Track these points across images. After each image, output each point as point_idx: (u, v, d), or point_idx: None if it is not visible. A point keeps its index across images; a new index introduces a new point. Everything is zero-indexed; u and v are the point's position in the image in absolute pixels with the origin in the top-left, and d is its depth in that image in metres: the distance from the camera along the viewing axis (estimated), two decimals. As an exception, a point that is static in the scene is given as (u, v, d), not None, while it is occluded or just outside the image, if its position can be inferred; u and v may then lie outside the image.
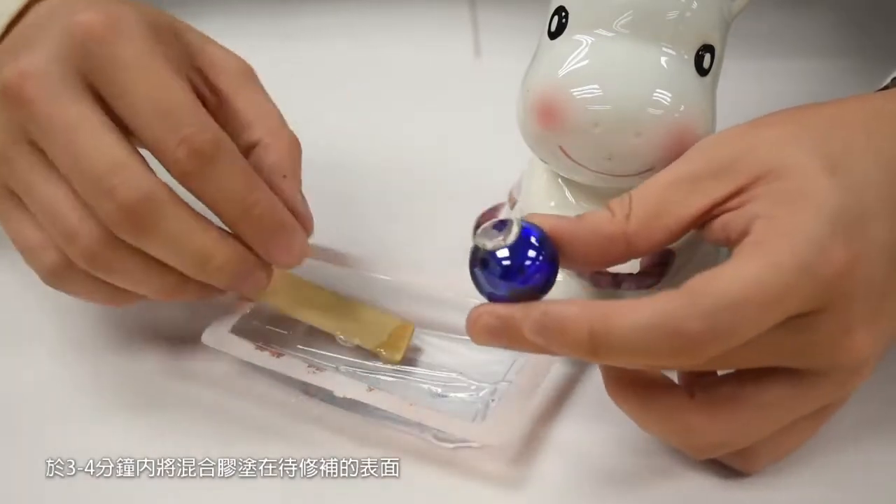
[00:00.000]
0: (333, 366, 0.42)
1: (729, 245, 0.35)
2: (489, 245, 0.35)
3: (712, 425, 0.36)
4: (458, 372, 0.42)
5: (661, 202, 0.36)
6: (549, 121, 0.39)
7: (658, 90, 0.39)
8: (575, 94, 0.39)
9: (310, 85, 0.59)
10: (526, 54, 0.41)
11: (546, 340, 0.34)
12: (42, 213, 0.39)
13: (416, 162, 0.54)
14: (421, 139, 0.56)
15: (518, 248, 0.35)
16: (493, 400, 0.40)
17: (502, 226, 0.35)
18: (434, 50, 0.61)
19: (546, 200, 0.44)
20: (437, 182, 0.53)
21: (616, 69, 0.39)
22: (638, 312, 0.33)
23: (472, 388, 0.42)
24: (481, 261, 0.35)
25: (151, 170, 0.37)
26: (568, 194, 0.43)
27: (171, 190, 0.38)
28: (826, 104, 0.38)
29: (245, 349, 0.41)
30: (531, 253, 0.35)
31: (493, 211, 0.49)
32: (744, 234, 0.34)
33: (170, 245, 0.37)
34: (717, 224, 0.36)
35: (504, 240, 0.35)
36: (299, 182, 0.41)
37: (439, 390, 0.42)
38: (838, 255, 0.33)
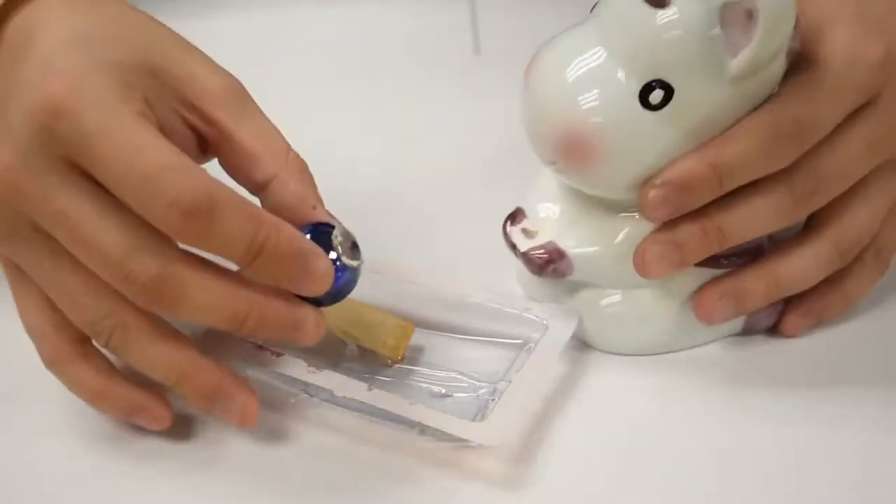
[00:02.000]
0: (333, 366, 0.42)
1: None
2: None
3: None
4: (458, 372, 0.42)
5: None
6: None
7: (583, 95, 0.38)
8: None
9: (309, 84, 0.59)
10: (526, 53, 0.41)
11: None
12: (60, 299, 0.37)
13: (415, 160, 0.54)
14: (421, 137, 0.56)
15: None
16: (493, 400, 0.40)
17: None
18: (434, 49, 0.61)
19: (552, 207, 0.43)
20: (436, 181, 0.53)
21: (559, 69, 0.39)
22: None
23: (472, 388, 0.42)
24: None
25: (165, 238, 0.35)
26: (574, 201, 0.43)
27: (190, 257, 0.36)
28: None
29: (245, 349, 0.41)
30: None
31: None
32: None
33: (199, 315, 0.36)
34: None
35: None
36: (323, 206, 0.39)
37: (439, 390, 0.41)
38: (875, 46, 0.39)
